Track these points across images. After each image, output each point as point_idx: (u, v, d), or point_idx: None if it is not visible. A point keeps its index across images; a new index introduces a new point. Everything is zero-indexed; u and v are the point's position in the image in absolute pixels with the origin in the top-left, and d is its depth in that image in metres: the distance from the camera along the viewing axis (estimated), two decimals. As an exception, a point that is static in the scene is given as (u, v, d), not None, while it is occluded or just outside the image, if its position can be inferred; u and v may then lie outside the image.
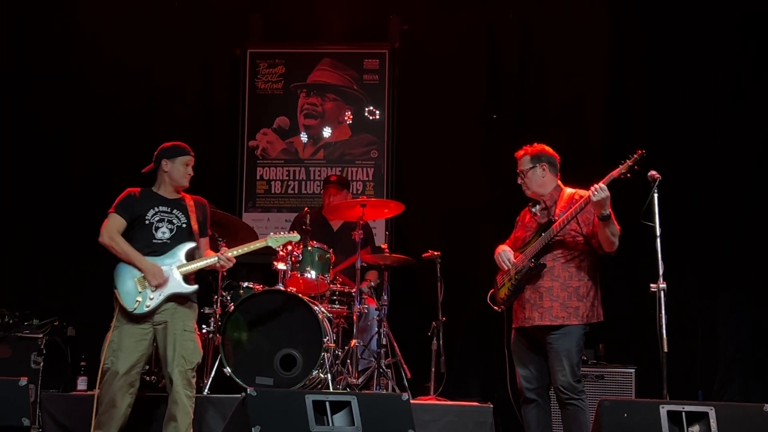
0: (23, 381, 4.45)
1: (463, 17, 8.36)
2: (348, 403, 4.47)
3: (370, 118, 8.38)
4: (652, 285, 5.20)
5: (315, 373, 6.26)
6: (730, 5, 7.70)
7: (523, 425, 5.72)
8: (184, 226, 5.71)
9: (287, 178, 8.37)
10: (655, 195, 5.29)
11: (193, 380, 5.59)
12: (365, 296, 6.95)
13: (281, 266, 6.66)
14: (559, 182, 5.75)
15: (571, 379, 5.45)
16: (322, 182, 7.98)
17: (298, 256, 6.65)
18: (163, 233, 5.66)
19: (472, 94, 8.35)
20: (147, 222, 5.65)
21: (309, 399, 4.42)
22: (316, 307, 6.42)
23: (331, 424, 4.43)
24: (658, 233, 5.22)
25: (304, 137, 8.43)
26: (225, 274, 6.66)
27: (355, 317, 6.62)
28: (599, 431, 4.55)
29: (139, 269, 5.57)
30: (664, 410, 4.55)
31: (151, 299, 5.53)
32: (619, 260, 7.54)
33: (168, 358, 5.52)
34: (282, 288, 6.56)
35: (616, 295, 7.69)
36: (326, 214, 7.39)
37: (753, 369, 7.42)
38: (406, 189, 8.28)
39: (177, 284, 5.59)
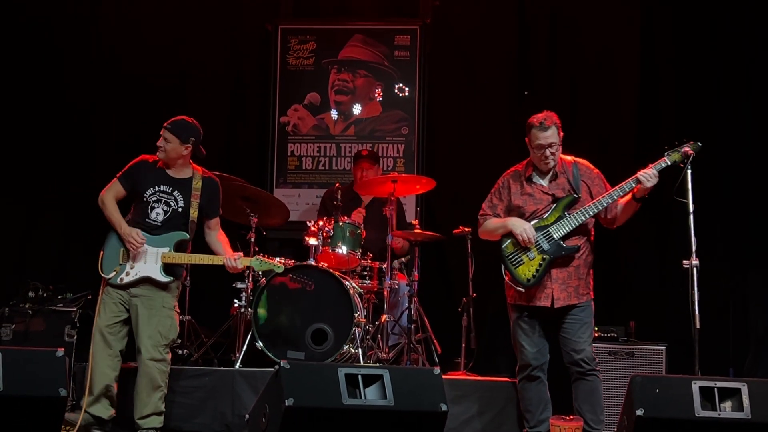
0: (60, 352, 4.48)
1: (495, -7, 8.32)
2: (380, 377, 4.47)
3: (400, 94, 8.37)
4: (684, 261, 5.19)
5: (346, 347, 6.30)
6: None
7: (521, 404, 5.71)
8: (180, 210, 5.66)
9: (318, 154, 8.39)
10: (689, 171, 5.27)
11: (168, 356, 5.62)
12: (396, 272, 6.97)
13: (312, 241, 6.70)
14: None
15: (590, 350, 5.51)
16: (352, 158, 7.99)
17: (330, 232, 6.68)
18: (157, 214, 5.64)
19: (504, 70, 8.30)
20: (144, 200, 5.63)
21: (341, 372, 4.43)
22: (347, 283, 6.45)
23: (363, 397, 4.44)
24: (691, 209, 5.20)
25: (334, 114, 8.44)
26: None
27: (386, 293, 6.64)
28: (631, 407, 4.55)
29: (119, 234, 5.58)
30: (696, 386, 4.53)
31: (127, 274, 5.56)
32: (650, 237, 7.59)
33: (142, 332, 5.53)
34: (313, 263, 6.59)
35: (646, 272, 7.72)
36: (357, 190, 7.40)
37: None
38: (436, 165, 8.27)
39: (154, 269, 5.58)
